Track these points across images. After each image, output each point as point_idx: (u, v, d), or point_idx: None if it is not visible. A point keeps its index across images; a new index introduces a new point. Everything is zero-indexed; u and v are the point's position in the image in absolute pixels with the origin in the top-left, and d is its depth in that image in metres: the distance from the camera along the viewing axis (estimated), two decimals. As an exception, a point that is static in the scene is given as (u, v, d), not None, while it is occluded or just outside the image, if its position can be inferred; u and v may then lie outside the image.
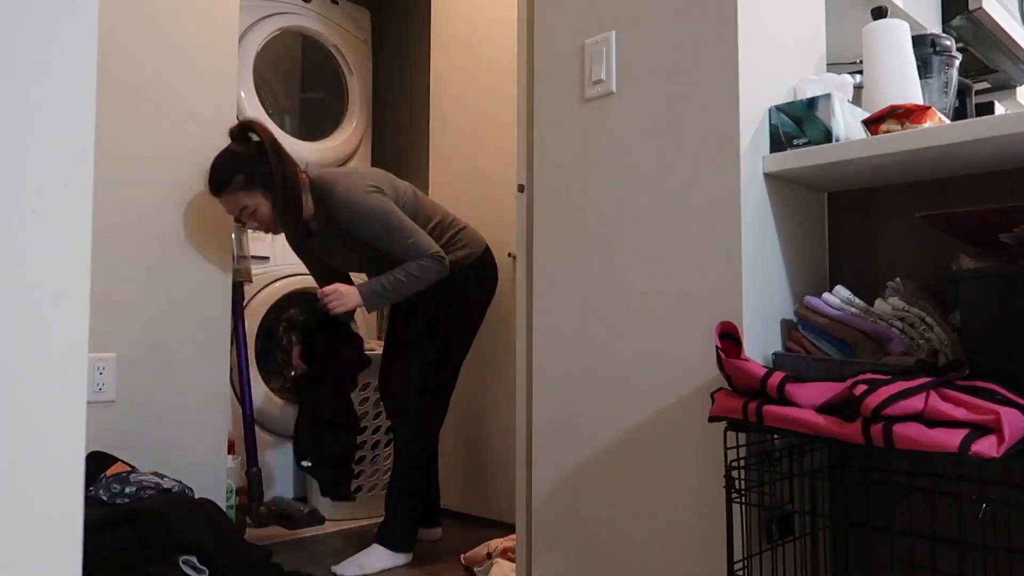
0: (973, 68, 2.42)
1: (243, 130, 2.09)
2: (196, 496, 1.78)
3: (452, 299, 2.21)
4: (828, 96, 1.29)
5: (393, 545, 2.11)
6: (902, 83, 1.39)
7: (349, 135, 3.13)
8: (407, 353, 2.22)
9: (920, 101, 1.40)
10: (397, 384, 2.23)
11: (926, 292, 1.28)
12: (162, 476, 1.77)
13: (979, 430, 0.87)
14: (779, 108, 1.34)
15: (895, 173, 1.31)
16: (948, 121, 1.30)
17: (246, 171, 2.03)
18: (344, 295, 2.07)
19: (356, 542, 2.37)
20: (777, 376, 1.04)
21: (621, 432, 1.43)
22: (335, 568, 2.06)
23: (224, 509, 1.97)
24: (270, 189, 2.05)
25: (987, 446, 0.85)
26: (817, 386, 1.03)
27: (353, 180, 2.09)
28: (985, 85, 2.58)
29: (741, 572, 1.21)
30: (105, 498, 1.64)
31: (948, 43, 1.51)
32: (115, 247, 1.99)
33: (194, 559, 1.59)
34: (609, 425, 1.45)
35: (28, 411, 0.62)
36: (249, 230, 2.33)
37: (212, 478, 2.12)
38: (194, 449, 2.10)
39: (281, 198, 2.05)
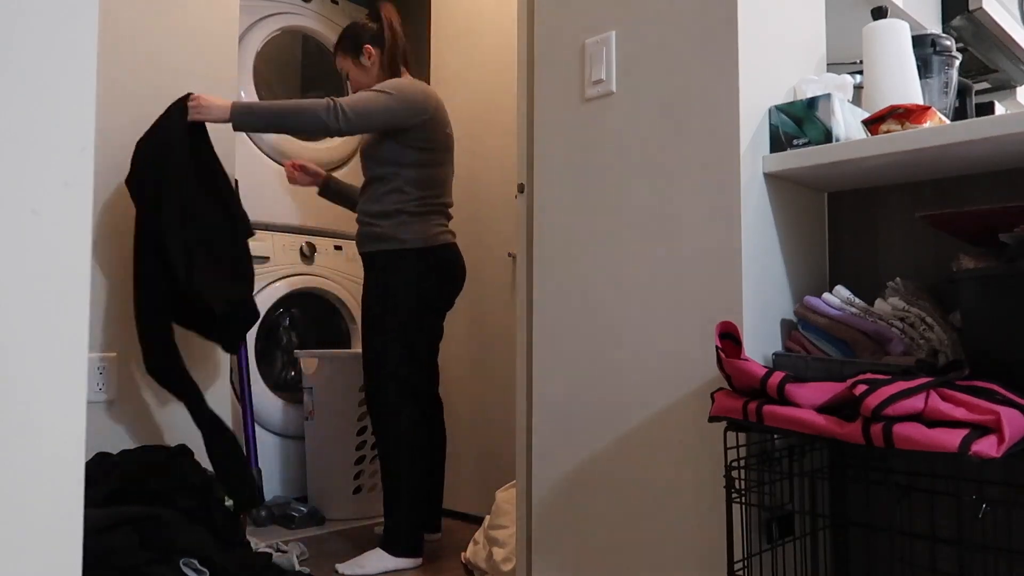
0: (973, 68, 2.42)
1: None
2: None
3: (386, 283, 2.16)
4: (828, 96, 1.29)
5: (394, 550, 2.11)
6: (902, 83, 1.39)
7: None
8: (365, 351, 2.19)
9: (920, 101, 1.40)
10: (367, 385, 2.20)
11: (926, 292, 1.28)
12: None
13: (979, 430, 0.87)
14: (779, 108, 1.34)
15: (895, 173, 1.31)
16: (948, 121, 1.30)
17: (353, 39, 2.30)
18: (207, 104, 1.94)
19: (356, 542, 2.37)
20: (777, 376, 1.04)
21: (621, 432, 1.43)
22: (339, 567, 2.06)
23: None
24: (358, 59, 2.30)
25: (987, 446, 0.85)
26: (817, 386, 1.03)
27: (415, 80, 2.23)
28: (985, 85, 2.58)
29: (741, 572, 1.21)
30: None
31: (948, 43, 1.51)
32: (115, 247, 1.99)
33: (195, 561, 1.60)
34: (609, 425, 1.45)
35: (28, 411, 0.62)
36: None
37: (212, 478, 2.12)
38: (194, 449, 2.10)
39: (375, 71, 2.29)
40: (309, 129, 2.05)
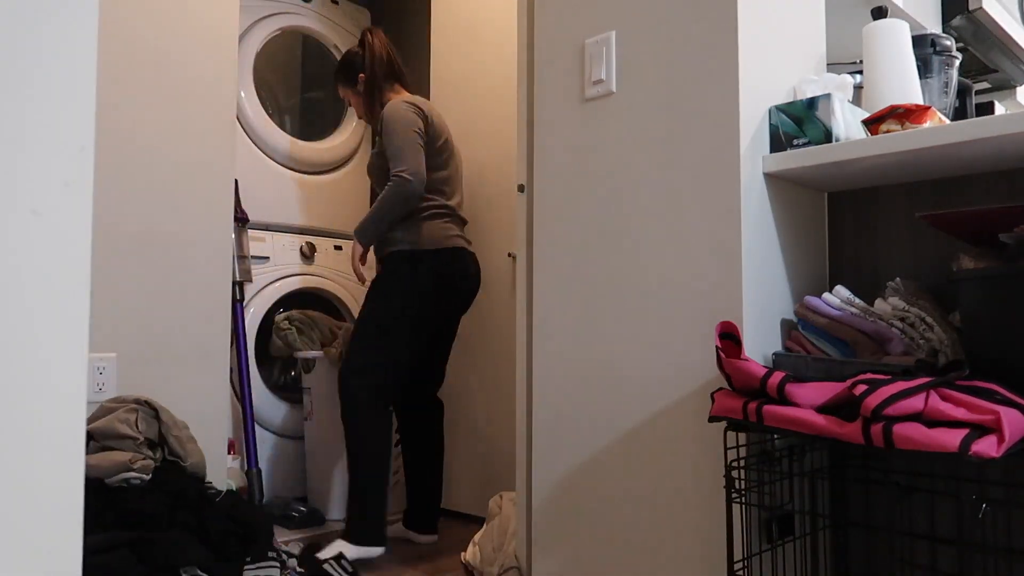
0: (973, 68, 2.42)
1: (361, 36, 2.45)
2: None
3: (379, 282, 2.22)
4: (828, 96, 1.29)
5: (355, 539, 2.08)
6: (902, 83, 1.39)
7: (349, 135, 3.13)
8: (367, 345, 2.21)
9: (920, 101, 1.40)
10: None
11: (926, 292, 1.28)
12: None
13: (979, 430, 0.87)
14: (779, 108, 1.34)
15: (895, 173, 1.31)
16: (948, 121, 1.30)
17: (347, 69, 2.44)
18: (351, 252, 2.26)
19: (356, 542, 2.36)
20: (777, 376, 1.04)
21: (621, 432, 1.43)
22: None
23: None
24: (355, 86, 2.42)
25: (987, 446, 0.85)
26: (817, 386, 1.03)
27: (400, 99, 2.29)
28: (985, 85, 2.58)
29: (741, 572, 1.21)
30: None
31: (948, 43, 1.51)
32: (115, 247, 1.99)
33: (196, 569, 1.60)
34: (609, 425, 1.45)
35: (28, 411, 0.62)
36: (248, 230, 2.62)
37: (212, 478, 2.12)
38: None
39: (365, 96, 2.40)
40: (405, 206, 2.16)
